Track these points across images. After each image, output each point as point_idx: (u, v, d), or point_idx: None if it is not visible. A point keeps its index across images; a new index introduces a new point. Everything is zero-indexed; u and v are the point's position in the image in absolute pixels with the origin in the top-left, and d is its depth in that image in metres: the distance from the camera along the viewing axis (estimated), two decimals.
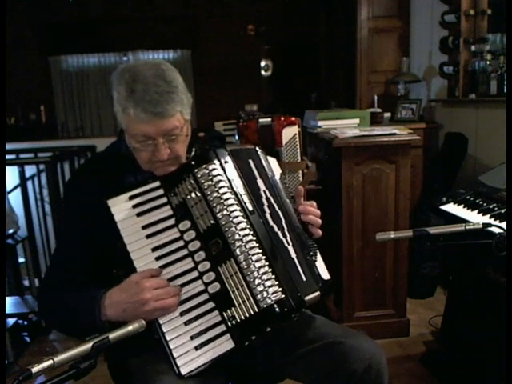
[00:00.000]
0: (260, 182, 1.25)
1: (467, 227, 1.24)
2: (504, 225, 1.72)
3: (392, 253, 2.58)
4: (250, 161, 1.27)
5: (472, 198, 2.08)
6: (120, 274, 1.16)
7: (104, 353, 1.30)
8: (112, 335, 0.94)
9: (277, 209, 1.24)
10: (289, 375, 1.33)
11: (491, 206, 1.94)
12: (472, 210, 1.99)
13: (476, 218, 1.89)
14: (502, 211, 1.86)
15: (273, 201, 1.25)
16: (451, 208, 2.10)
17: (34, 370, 0.82)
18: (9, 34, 6.38)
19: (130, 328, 0.98)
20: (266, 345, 1.26)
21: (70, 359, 0.87)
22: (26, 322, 2.97)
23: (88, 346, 0.89)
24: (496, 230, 1.25)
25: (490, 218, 1.87)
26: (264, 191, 1.24)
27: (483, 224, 1.24)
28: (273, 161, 1.36)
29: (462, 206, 2.06)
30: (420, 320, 2.85)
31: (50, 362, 0.84)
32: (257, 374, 1.36)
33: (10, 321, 2.78)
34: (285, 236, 1.21)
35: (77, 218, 1.24)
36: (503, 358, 1.32)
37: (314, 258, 1.24)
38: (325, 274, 1.24)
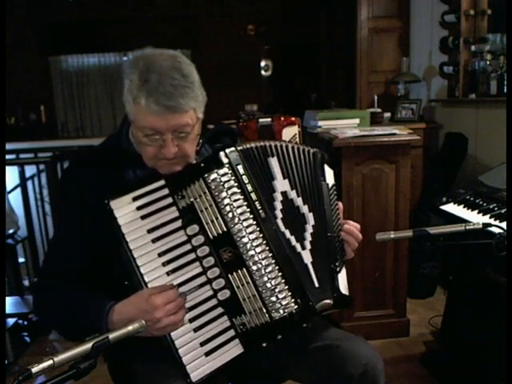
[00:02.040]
0: (281, 183, 1.20)
1: (467, 227, 1.24)
2: (504, 225, 1.72)
3: (392, 253, 2.58)
4: (273, 159, 1.21)
5: (472, 198, 2.08)
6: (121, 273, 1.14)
7: (103, 353, 1.30)
8: (112, 335, 0.93)
9: (304, 211, 1.21)
10: (291, 376, 1.32)
11: (491, 206, 1.94)
12: (472, 210, 1.99)
13: (476, 218, 1.89)
14: (502, 211, 1.86)
15: (300, 202, 1.21)
16: (451, 208, 2.10)
17: (34, 370, 0.81)
18: (9, 34, 6.37)
19: (130, 328, 0.97)
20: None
21: (70, 359, 0.87)
22: (25, 322, 2.97)
23: (88, 346, 0.89)
24: (496, 230, 1.25)
25: (490, 218, 1.87)
26: (284, 193, 1.19)
27: (483, 224, 1.24)
28: (329, 171, 1.32)
29: (462, 206, 2.06)
30: (420, 320, 2.84)
31: (50, 362, 0.84)
32: (259, 374, 1.36)
33: (10, 321, 2.77)
34: (301, 240, 1.18)
35: (76, 215, 1.19)
36: (503, 358, 1.32)
37: (337, 268, 1.21)
38: (344, 289, 1.21)
